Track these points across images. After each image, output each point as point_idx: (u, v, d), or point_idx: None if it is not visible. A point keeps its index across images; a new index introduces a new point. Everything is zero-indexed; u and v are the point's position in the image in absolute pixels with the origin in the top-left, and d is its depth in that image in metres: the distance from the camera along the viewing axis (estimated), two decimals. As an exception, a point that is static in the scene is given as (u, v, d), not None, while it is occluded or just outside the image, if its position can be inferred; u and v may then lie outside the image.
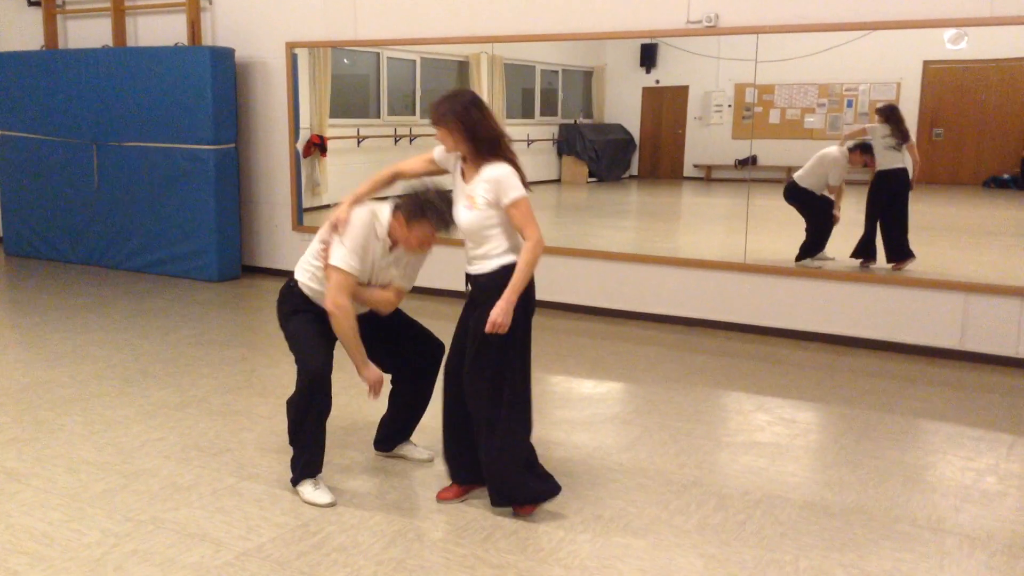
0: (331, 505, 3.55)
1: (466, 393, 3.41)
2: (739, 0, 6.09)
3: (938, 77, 7.20)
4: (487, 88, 8.47)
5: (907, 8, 5.62)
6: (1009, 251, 7.25)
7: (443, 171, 3.51)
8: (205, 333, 6.30)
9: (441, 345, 3.81)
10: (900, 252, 6.48)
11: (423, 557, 3.13)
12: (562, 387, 5.28)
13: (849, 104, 7.66)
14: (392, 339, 3.79)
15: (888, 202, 6.69)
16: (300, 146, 8.17)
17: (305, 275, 3.66)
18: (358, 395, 4.96)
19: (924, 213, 6.99)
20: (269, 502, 3.56)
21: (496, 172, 3.23)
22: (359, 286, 3.56)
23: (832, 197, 6.82)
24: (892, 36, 5.89)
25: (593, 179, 9.85)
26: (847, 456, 4.14)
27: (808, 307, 6.19)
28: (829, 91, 7.42)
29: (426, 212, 3.43)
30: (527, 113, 9.87)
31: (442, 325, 3.89)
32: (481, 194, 3.25)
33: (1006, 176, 7.63)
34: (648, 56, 8.71)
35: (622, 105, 9.43)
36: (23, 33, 9.46)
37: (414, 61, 9.25)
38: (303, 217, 8.27)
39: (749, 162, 7.16)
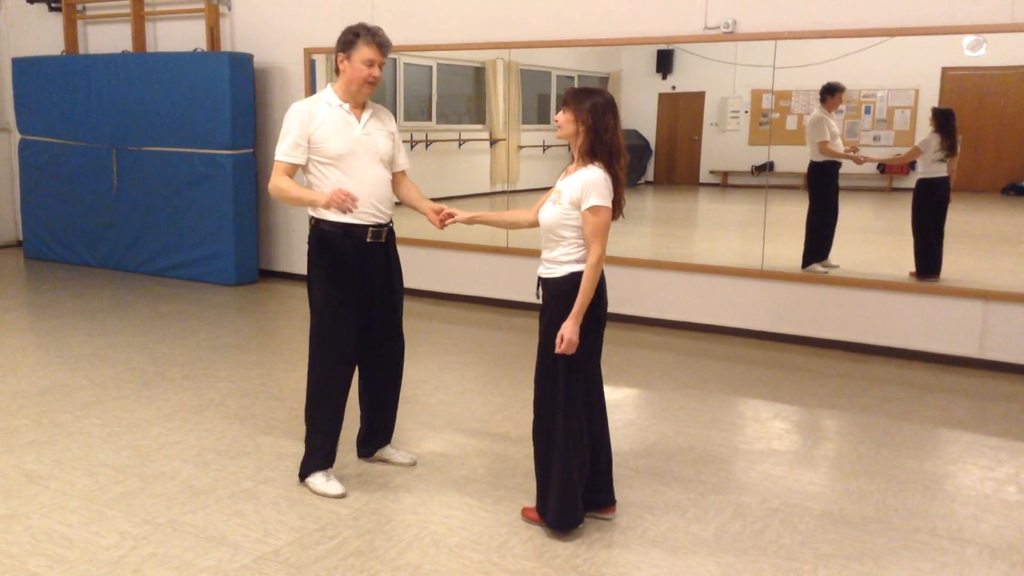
0: (342, 496, 3.61)
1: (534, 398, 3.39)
2: (756, 6, 6.08)
3: (957, 84, 7.16)
4: (503, 94, 8.48)
5: (926, 15, 5.60)
6: (1029, 259, 7.19)
7: None
8: (223, 337, 6.33)
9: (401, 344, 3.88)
10: (931, 265, 6.31)
11: (439, 562, 3.13)
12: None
13: (867, 111, 7.63)
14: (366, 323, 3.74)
15: (929, 212, 6.54)
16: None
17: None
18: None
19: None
20: (287, 506, 3.57)
21: (592, 175, 3.19)
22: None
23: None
24: (910, 43, 5.87)
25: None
26: (866, 465, 4.11)
27: (825, 314, 6.16)
28: (847, 97, 7.39)
29: (355, 32, 3.52)
30: (543, 119, 9.87)
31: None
32: (568, 191, 3.23)
33: (1025, 183, 7.57)
34: (664, 62, 8.70)
35: (638, 111, 9.43)
36: (44, 38, 9.55)
37: (430, 67, 9.28)
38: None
39: (766, 168, 7.14)
